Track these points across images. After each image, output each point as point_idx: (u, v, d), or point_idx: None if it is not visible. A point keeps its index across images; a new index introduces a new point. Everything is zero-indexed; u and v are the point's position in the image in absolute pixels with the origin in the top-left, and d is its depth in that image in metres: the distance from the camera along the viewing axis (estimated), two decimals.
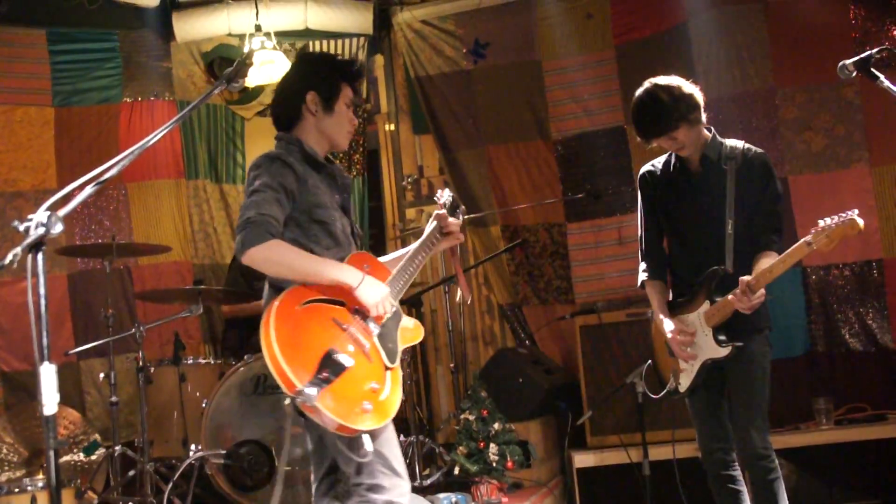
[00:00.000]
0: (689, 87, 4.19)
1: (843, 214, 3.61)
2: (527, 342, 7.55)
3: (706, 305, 4.17)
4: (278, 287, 3.36)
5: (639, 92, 4.23)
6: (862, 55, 3.37)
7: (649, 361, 4.67)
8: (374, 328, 3.39)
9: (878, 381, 6.59)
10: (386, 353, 3.39)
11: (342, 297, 3.35)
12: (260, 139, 7.90)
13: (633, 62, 7.29)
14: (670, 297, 4.43)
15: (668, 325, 4.28)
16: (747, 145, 4.26)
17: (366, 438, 3.16)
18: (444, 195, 3.87)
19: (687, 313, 4.28)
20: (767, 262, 3.99)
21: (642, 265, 4.47)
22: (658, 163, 4.46)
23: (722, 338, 4.14)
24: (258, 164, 3.44)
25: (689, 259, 4.34)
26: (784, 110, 6.94)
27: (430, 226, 3.79)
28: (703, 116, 4.21)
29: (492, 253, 7.46)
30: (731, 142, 4.29)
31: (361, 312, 3.38)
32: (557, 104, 7.62)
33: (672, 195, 4.38)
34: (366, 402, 3.19)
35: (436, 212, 3.80)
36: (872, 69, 3.37)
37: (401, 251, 3.79)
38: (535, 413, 6.53)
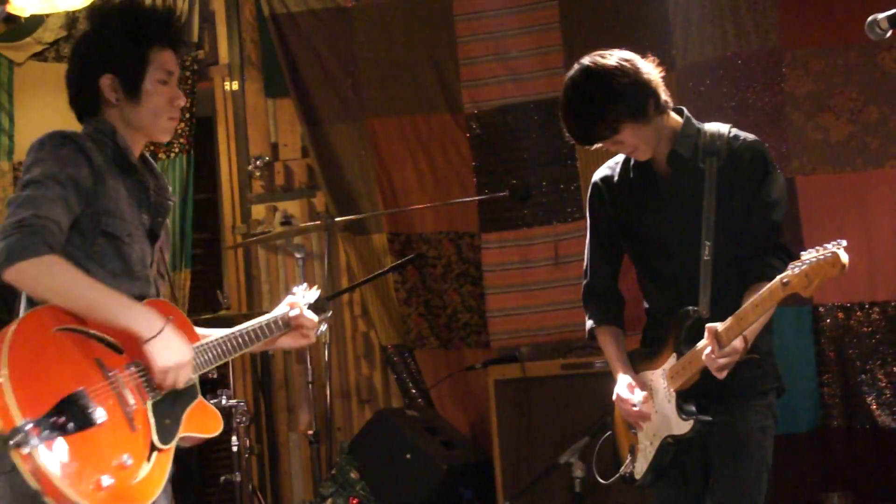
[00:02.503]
0: (636, 69, 4.18)
1: (827, 246, 3.65)
2: (419, 401, 7.55)
3: (672, 360, 4.21)
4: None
5: (567, 78, 4.22)
6: None
7: (597, 436, 4.85)
8: (152, 393, 3.48)
9: None
10: (158, 427, 3.46)
11: (120, 342, 3.46)
12: (36, 93, 7.85)
13: (583, 5, 7.37)
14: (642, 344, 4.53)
15: (621, 382, 4.32)
16: (735, 131, 4.29)
17: None
18: (309, 295, 4.13)
19: (651, 369, 4.32)
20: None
21: (590, 306, 4.56)
22: (616, 164, 4.50)
23: (689, 407, 4.15)
24: (42, 143, 3.57)
25: (661, 295, 4.39)
26: (793, 81, 6.96)
27: (279, 308, 4.02)
28: (666, 101, 4.23)
29: (374, 271, 7.40)
30: (713, 127, 4.31)
31: (141, 367, 3.48)
32: (473, 62, 7.66)
33: (634, 209, 4.41)
34: (106, 476, 3.22)
35: (290, 296, 4.07)
36: None
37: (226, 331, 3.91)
38: (429, 503, 6.50)
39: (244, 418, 6.39)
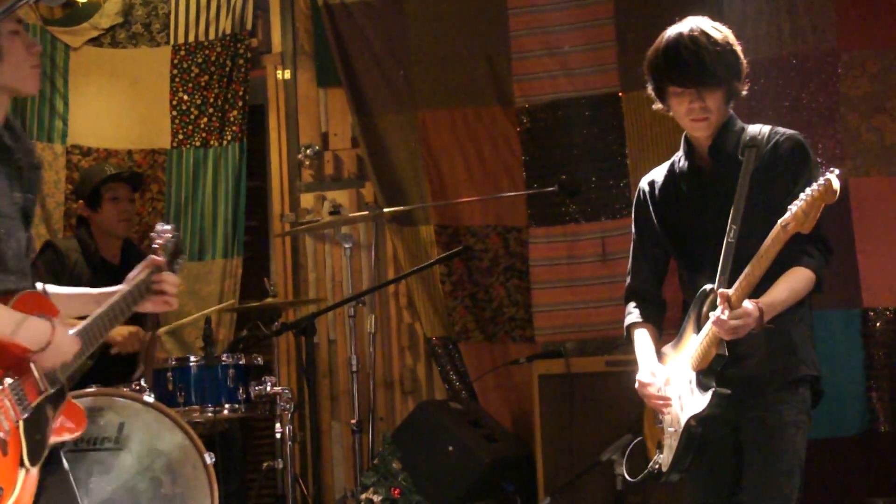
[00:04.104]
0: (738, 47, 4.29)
1: (819, 179, 3.78)
2: (463, 393, 7.52)
3: (692, 339, 4.24)
4: None
5: (672, 31, 4.26)
6: None
7: (638, 435, 4.75)
8: (24, 410, 3.32)
9: None
10: (28, 447, 3.32)
11: None
12: (91, 78, 7.95)
13: (638, 2, 7.33)
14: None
15: (642, 369, 4.39)
16: (775, 128, 4.34)
17: None
18: (165, 233, 3.97)
19: (675, 356, 4.37)
20: (785, 281, 4.06)
21: (630, 305, 4.60)
22: (660, 171, 4.56)
23: (708, 381, 4.13)
24: None
25: (696, 285, 4.35)
26: (849, 83, 6.90)
27: (140, 272, 3.86)
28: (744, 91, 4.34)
29: (420, 263, 7.46)
30: (754, 127, 4.37)
31: (15, 379, 3.31)
32: (525, 56, 7.63)
33: (676, 203, 4.48)
34: None
35: (151, 256, 3.89)
36: None
37: (78, 290, 3.91)
38: (471, 496, 6.51)
39: (288, 405, 6.39)
